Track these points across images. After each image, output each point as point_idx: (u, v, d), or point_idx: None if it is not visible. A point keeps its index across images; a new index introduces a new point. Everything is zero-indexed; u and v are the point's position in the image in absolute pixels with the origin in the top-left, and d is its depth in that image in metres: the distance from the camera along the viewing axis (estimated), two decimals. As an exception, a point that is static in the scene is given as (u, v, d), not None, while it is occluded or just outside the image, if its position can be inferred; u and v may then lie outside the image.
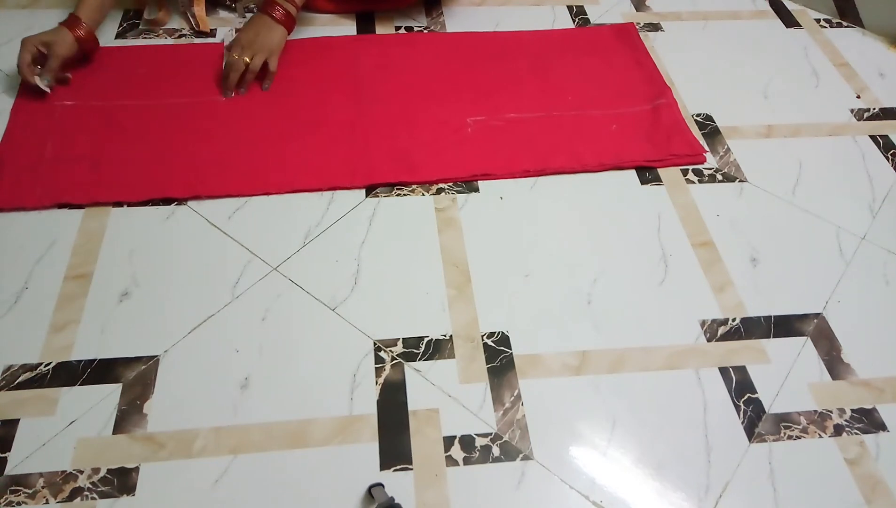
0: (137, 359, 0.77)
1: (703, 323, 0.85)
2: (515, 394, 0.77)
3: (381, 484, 0.68)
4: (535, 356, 0.80)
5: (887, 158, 1.07)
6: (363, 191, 0.96)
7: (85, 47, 1.04)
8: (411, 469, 0.71)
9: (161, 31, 1.16)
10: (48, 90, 1.00)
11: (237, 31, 1.09)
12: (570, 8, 1.28)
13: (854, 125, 1.11)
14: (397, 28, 1.21)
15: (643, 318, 0.85)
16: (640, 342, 0.82)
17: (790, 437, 0.76)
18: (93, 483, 0.68)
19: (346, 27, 1.20)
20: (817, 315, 0.87)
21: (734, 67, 1.20)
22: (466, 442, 0.73)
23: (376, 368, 0.78)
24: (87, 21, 1.03)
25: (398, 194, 0.96)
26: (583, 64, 1.16)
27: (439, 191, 0.96)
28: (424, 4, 1.25)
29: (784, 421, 0.77)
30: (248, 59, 1.03)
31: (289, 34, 1.08)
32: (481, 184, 0.98)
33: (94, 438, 0.71)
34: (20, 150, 0.95)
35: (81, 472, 0.68)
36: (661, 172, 1.01)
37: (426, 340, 0.81)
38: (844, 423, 0.77)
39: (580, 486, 0.71)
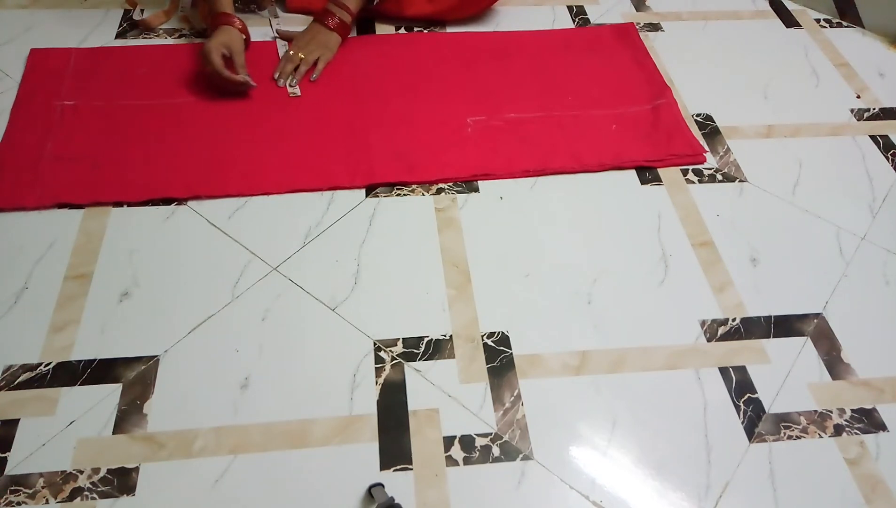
0: (137, 359, 0.77)
1: (703, 323, 0.85)
2: (515, 394, 0.77)
3: (381, 484, 0.68)
4: (535, 356, 0.80)
5: (887, 158, 1.06)
6: (363, 191, 0.96)
7: (246, 35, 1.08)
8: (411, 469, 0.71)
9: (161, 31, 1.16)
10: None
11: (288, 33, 1.15)
12: (570, 8, 1.28)
13: (854, 125, 1.11)
14: (397, 28, 1.21)
15: (643, 318, 0.85)
16: (640, 342, 0.82)
17: (790, 437, 0.76)
18: (93, 483, 0.68)
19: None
20: (817, 315, 0.87)
21: (734, 67, 1.20)
22: (466, 442, 0.73)
23: (376, 368, 0.78)
24: (233, 12, 1.07)
25: (398, 194, 0.96)
26: (583, 64, 1.16)
27: (439, 191, 0.96)
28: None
29: (784, 421, 0.77)
30: (301, 55, 1.09)
31: (342, 41, 1.13)
32: (481, 184, 0.98)
33: (94, 438, 0.71)
34: (20, 150, 0.95)
35: (81, 472, 0.68)
36: (661, 172, 1.01)
37: (426, 340, 0.81)
38: (844, 423, 0.77)
39: (580, 486, 0.71)
